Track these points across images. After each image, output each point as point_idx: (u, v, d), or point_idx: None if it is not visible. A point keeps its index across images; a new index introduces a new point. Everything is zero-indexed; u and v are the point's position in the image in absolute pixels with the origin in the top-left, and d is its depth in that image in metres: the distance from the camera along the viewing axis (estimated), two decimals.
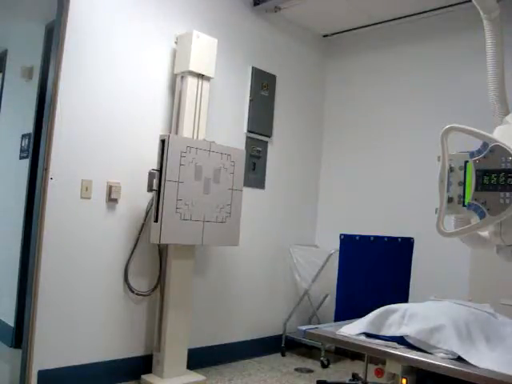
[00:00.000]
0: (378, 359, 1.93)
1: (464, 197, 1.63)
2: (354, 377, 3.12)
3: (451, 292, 2.55)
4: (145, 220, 3.04)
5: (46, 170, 2.65)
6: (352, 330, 1.93)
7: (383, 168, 3.87)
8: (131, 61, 3.04)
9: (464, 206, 1.63)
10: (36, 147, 3.25)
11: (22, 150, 3.73)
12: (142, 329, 3.08)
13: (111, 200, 2.93)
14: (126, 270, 2.98)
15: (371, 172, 3.94)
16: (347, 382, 3.08)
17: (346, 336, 1.90)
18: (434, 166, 2.01)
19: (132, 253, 3.00)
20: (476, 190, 1.58)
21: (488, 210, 1.54)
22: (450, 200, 1.66)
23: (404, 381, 1.75)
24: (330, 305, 3.84)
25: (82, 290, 2.80)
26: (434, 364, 1.61)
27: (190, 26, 3.28)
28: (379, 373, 1.90)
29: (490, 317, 1.91)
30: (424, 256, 3.18)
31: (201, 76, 3.10)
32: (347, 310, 2.86)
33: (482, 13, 2.56)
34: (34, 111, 3.54)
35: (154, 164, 2.84)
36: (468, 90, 3.35)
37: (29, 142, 3.60)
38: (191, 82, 3.07)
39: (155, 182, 2.81)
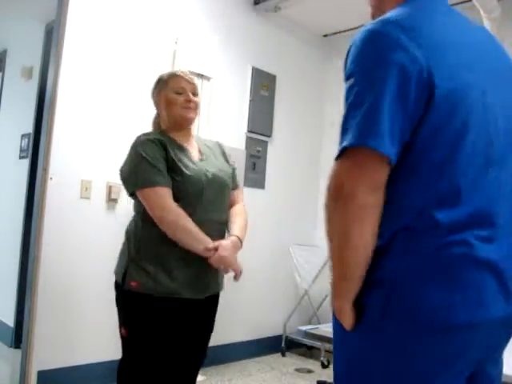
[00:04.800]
0: None
1: None
2: None
3: None
4: None
5: (45, 170, 2.64)
6: None
7: None
8: (131, 61, 3.03)
9: None
10: (36, 147, 3.25)
11: (21, 150, 3.72)
12: None
13: (111, 200, 2.92)
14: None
15: None
16: None
17: None
18: None
19: None
20: None
21: None
22: None
23: None
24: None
25: (81, 290, 2.80)
26: None
27: (190, 25, 3.28)
28: None
29: None
30: None
31: (201, 76, 3.10)
32: None
33: (482, 12, 2.55)
34: (33, 111, 3.53)
35: None
36: None
37: (28, 141, 3.60)
38: None
39: None
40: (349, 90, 0.98)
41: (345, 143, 0.95)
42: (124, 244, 1.87)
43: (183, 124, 1.91)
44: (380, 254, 0.97)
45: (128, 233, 1.87)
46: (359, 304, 0.99)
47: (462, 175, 0.96)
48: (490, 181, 1.00)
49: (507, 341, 1.08)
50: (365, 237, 0.95)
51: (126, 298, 1.81)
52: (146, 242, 1.80)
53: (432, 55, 0.95)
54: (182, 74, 1.93)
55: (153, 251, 1.79)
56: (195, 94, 1.92)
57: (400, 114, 0.93)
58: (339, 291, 1.00)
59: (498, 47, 1.13)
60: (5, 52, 4.22)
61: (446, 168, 0.96)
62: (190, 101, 1.87)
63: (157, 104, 1.97)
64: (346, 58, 1.04)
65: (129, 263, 1.80)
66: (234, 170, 2.03)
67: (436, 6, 1.08)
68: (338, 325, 1.03)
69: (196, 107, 1.91)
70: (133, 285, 1.77)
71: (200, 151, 1.94)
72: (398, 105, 0.93)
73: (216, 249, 1.77)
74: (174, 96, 1.87)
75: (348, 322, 0.99)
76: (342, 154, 0.96)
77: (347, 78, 1.00)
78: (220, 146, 2.08)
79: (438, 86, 0.94)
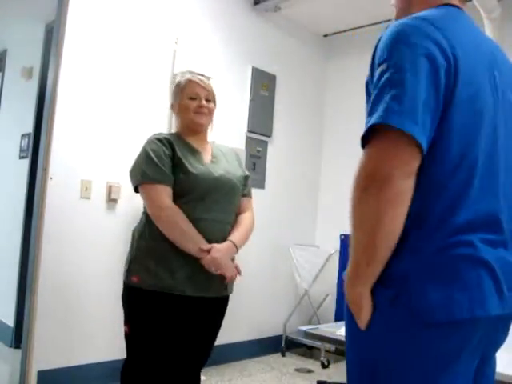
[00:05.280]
0: None
1: None
2: None
3: None
4: None
5: (45, 169, 2.64)
6: None
7: None
8: (131, 61, 3.03)
9: None
10: (36, 147, 3.25)
11: (21, 150, 3.72)
12: None
13: (111, 200, 2.92)
14: None
15: None
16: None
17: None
18: None
19: None
20: None
21: None
22: None
23: None
24: (330, 305, 3.84)
25: (81, 290, 2.80)
26: None
27: (190, 25, 3.28)
28: None
29: None
30: None
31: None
32: None
33: (482, 12, 2.56)
34: (33, 111, 3.53)
35: None
36: None
37: (28, 141, 3.60)
38: None
39: None
40: (380, 75, 0.99)
41: (374, 120, 0.94)
42: (131, 241, 1.93)
43: (195, 129, 1.95)
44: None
45: (134, 230, 1.93)
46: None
47: (472, 177, 0.99)
48: (497, 185, 1.04)
49: (503, 341, 1.12)
50: (396, 222, 0.96)
51: (129, 293, 1.85)
52: (147, 239, 1.84)
53: (459, 57, 0.98)
54: (197, 80, 1.98)
55: (154, 248, 1.82)
56: (209, 99, 1.96)
57: (433, 100, 0.95)
58: (362, 277, 1.00)
59: (504, 56, 1.18)
60: (5, 52, 4.22)
61: (458, 169, 0.99)
62: (201, 106, 1.92)
63: (174, 109, 2.01)
64: (375, 48, 1.05)
65: (132, 259, 1.85)
66: (247, 177, 2.06)
67: (460, 15, 1.12)
68: (351, 319, 1.05)
69: (209, 113, 1.95)
70: (134, 280, 1.80)
71: (212, 155, 1.98)
72: (431, 90, 0.94)
73: (209, 251, 1.79)
74: (187, 102, 1.93)
75: (367, 308, 1.00)
76: (372, 136, 0.96)
77: (378, 65, 1.01)
78: (236, 154, 2.12)
79: (459, 86, 0.97)
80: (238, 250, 1.93)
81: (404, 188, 0.94)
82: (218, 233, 1.86)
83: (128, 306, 1.86)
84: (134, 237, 1.91)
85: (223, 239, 1.87)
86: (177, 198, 1.81)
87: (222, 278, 1.88)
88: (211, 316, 1.95)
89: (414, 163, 0.94)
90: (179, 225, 1.78)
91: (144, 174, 1.81)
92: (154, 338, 1.79)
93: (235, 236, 1.92)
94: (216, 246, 1.82)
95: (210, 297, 1.88)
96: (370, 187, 0.95)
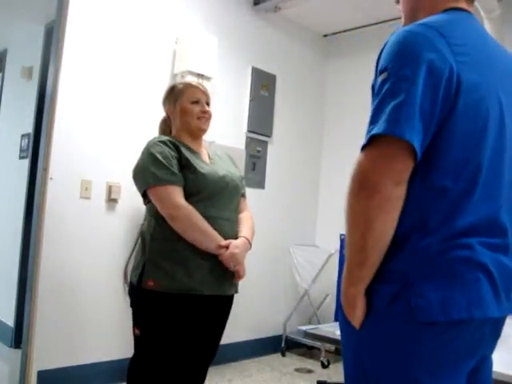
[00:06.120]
0: None
1: None
2: None
3: None
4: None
5: (45, 169, 2.64)
6: None
7: None
8: (131, 61, 3.03)
9: None
10: (36, 147, 3.24)
11: (21, 150, 3.72)
12: None
13: (111, 200, 2.93)
14: (125, 270, 2.97)
15: None
16: None
17: None
18: None
19: (132, 253, 3.00)
20: None
21: None
22: None
23: None
24: (330, 305, 3.84)
25: (81, 290, 2.80)
26: None
27: (190, 25, 3.28)
28: None
29: None
30: None
31: (200, 76, 3.10)
32: None
33: (482, 12, 2.56)
34: (33, 111, 3.53)
35: None
36: None
37: (28, 141, 3.60)
38: None
39: None
40: (381, 84, 1.00)
41: (373, 131, 0.96)
42: (139, 245, 1.91)
43: (198, 134, 1.97)
44: (392, 249, 1.00)
45: (143, 233, 1.91)
46: (367, 297, 1.02)
47: (476, 182, 1.00)
48: (501, 191, 1.05)
49: (495, 343, 1.14)
50: (387, 227, 0.97)
51: (142, 297, 1.83)
52: (161, 240, 1.84)
53: (463, 64, 0.99)
54: (197, 85, 1.99)
55: (168, 249, 1.82)
56: (208, 104, 1.99)
57: (429, 110, 0.96)
58: (355, 278, 1.01)
59: (509, 58, 1.17)
60: (5, 52, 4.22)
61: (461, 174, 0.99)
62: (205, 112, 1.95)
63: (170, 112, 2.00)
64: (380, 54, 1.06)
65: (145, 262, 1.83)
66: (242, 177, 2.09)
67: (469, 19, 1.12)
68: (345, 320, 1.05)
69: (210, 117, 1.98)
70: (150, 284, 1.79)
71: (209, 156, 2.01)
72: (428, 101, 0.95)
73: (227, 247, 1.82)
74: (190, 106, 1.93)
75: (360, 310, 1.01)
76: (368, 144, 0.97)
77: (380, 73, 1.02)
78: (230, 157, 2.14)
79: (463, 93, 0.98)
80: (251, 247, 1.96)
81: (394, 195, 0.96)
82: (229, 231, 1.89)
83: (141, 309, 1.85)
84: (144, 239, 1.89)
85: (234, 237, 1.90)
86: (187, 198, 1.82)
87: (233, 275, 1.90)
88: (221, 314, 1.97)
89: (406, 172, 0.96)
90: (198, 224, 1.79)
91: (155, 176, 1.80)
92: (168, 339, 1.80)
93: (246, 233, 1.96)
94: (233, 241, 1.85)
95: (222, 295, 1.90)
96: (361, 193, 0.97)
